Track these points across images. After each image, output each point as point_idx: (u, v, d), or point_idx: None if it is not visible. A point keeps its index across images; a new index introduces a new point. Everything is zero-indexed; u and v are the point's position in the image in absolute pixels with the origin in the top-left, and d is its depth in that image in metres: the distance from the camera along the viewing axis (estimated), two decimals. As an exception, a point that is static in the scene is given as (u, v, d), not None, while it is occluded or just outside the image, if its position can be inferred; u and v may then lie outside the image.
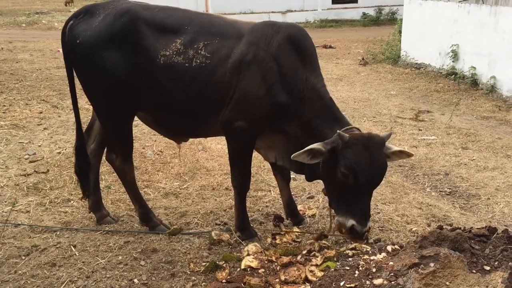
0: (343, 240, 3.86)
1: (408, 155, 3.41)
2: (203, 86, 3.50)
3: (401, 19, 13.34)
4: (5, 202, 4.42)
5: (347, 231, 3.29)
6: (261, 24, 3.66)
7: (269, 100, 3.49)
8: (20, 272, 3.39)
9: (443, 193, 5.09)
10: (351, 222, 3.23)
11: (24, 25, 19.67)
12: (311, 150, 3.24)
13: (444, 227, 3.11)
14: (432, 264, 2.56)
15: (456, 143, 6.62)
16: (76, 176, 4.05)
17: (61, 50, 4.23)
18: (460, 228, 3.02)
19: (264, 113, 3.53)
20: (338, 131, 3.23)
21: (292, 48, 3.54)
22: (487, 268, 2.61)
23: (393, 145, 3.42)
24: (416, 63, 12.16)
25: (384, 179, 5.15)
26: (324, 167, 3.37)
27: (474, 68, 9.98)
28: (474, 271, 2.59)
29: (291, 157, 3.30)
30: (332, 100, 3.58)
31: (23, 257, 3.58)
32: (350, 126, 3.43)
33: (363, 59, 13.13)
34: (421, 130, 7.27)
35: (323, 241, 3.76)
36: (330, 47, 15.57)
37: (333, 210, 3.52)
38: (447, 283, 2.49)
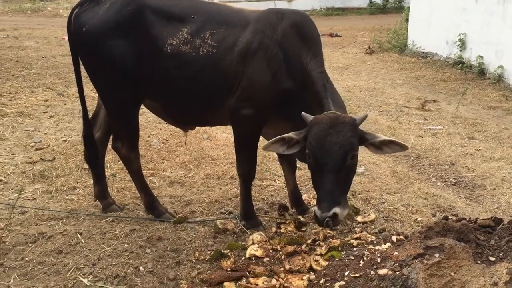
0: (348, 229, 3.87)
1: (403, 147, 3.20)
2: (210, 74, 3.50)
3: (408, 7, 13.25)
4: (12, 189, 4.44)
5: (314, 217, 3.22)
6: (266, 12, 3.65)
7: (275, 87, 3.49)
8: (27, 259, 3.42)
9: (449, 183, 5.08)
10: (314, 207, 3.17)
11: (29, 12, 19.65)
12: (283, 140, 3.23)
13: (449, 217, 3.10)
14: (437, 255, 2.56)
15: (462, 133, 6.59)
16: (87, 164, 4.07)
17: (66, 37, 4.22)
18: (465, 219, 3.01)
19: (270, 100, 3.53)
20: (302, 113, 3.19)
21: (296, 34, 3.54)
22: (492, 259, 2.60)
23: (381, 135, 3.28)
24: (423, 52, 12.08)
25: (391, 169, 5.17)
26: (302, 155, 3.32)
27: (482, 57, 9.90)
28: (479, 261, 2.59)
29: (262, 147, 3.28)
30: (325, 86, 3.44)
31: (30, 244, 3.60)
32: (329, 111, 3.25)
33: (369, 47, 13.05)
34: (427, 119, 7.24)
35: (328, 231, 3.77)
36: (336, 35, 15.49)
37: None
38: (452, 273, 2.50)
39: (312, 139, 3.10)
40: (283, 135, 3.22)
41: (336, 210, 3.06)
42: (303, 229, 3.88)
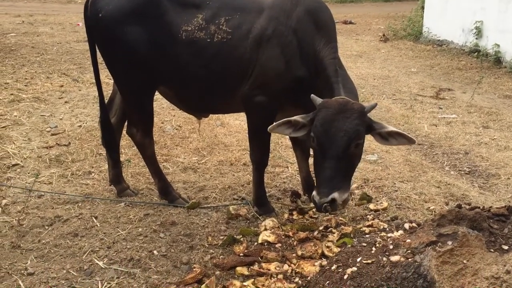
0: (360, 217, 3.88)
1: (409, 140, 3.14)
2: (224, 61, 3.51)
3: (424, -5, 13.07)
4: (29, 173, 4.52)
5: (312, 201, 3.21)
6: (281, -2, 3.63)
7: (289, 74, 3.49)
8: (43, 241, 3.49)
9: (462, 172, 5.05)
10: (313, 192, 3.15)
11: (44, -2, 19.73)
12: (289, 122, 3.22)
13: (462, 206, 3.09)
14: (450, 242, 2.56)
15: (477, 122, 6.53)
16: (104, 148, 4.13)
17: (81, 23, 4.25)
18: (479, 207, 3.00)
19: (283, 87, 3.53)
20: (311, 95, 3.18)
21: (310, 21, 3.51)
22: (505, 247, 2.60)
23: (390, 126, 3.23)
24: (438, 40, 11.94)
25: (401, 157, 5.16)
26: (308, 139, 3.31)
27: (498, 45, 9.76)
28: (492, 250, 2.58)
29: (268, 128, 3.27)
30: (336, 72, 3.40)
31: (47, 227, 3.67)
32: (339, 96, 3.23)
33: (383, 35, 12.93)
34: (442, 108, 7.18)
35: (340, 218, 3.79)
36: (350, 22, 15.36)
37: None
38: (465, 261, 2.50)
39: (318, 123, 3.09)
40: (289, 118, 3.21)
41: (334, 195, 3.05)
42: (315, 216, 3.90)
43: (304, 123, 3.21)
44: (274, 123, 3.26)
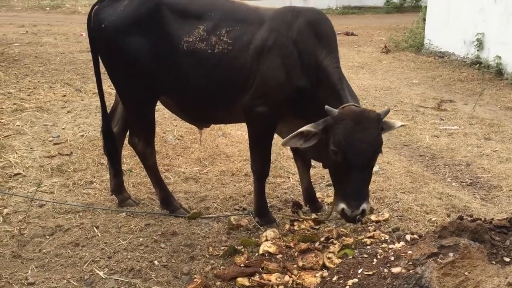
0: (362, 228, 3.87)
1: (403, 125, 3.45)
2: (225, 72, 3.53)
3: (426, 6, 13.13)
4: (30, 182, 4.53)
5: (339, 214, 3.25)
6: (281, 10, 3.67)
7: (289, 85, 3.50)
8: (44, 251, 3.49)
9: (464, 183, 5.04)
10: (341, 205, 3.16)
11: (48, 8, 19.90)
12: (301, 133, 3.21)
13: (464, 217, 3.09)
14: (451, 254, 2.56)
15: (478, 134, 6.53)
16: (106, 157, 4.14)
17: (84, 34, 4.28)
18: (480, 219, 2.99)
19: (284, 98, 3.54)
20: (326, 106, 3.17)
21: (311, 32, 3.54)
22: (507, 259, 2.59)
23: (397, 121, 3.36)
24: (440, 52, 11.98)
25: (401, 166, 5.15)
26: (320, 149, 3.32)
27: (499, 57, 9.79)
28: (493, 262, 2.58)
29: (281, 143, 3.27)
30: (341, 80, 3.44)
31: (48, 237, 3.67)
32: (348, 104, 3.27)
33: (385, 46, 12.97)
34: (443, 119, 7.18)
35: (341, 229, 3.78)
36: (352, 34, 15.43)
37: None
38: (466, 273, 2.49)
39: (341, 137, 3.08)
40: (301, 129, 3.20)
41: (364, 206, 3.12)
42: (316, 227, 3.89)
43: (316, 132, 3.21)
44: (287, 137, 3.25)
